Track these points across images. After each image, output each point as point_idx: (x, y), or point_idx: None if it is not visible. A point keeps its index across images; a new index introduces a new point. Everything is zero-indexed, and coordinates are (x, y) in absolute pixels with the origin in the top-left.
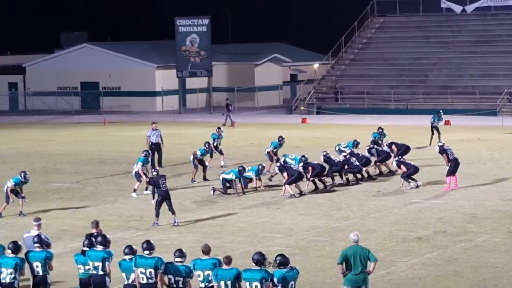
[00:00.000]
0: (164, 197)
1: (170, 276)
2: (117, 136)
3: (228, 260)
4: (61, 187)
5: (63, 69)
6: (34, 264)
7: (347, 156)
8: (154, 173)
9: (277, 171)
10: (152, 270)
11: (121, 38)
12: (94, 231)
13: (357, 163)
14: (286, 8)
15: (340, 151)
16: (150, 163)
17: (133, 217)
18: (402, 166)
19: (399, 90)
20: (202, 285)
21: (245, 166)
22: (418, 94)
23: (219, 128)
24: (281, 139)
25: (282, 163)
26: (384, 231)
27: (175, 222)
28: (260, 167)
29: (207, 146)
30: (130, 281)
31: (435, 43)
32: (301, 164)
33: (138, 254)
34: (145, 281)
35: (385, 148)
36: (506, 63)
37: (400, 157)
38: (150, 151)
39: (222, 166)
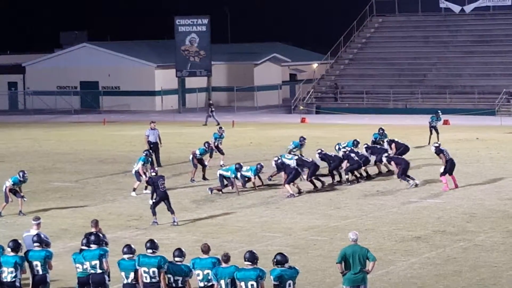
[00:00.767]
0: (162, 198)
1: (169, 275)
2: (116, 135)
3: (227, 258)
4: (60, 186)
5: (63, 68)
6: (34, 263)
7: (347, 152)
8: (153, 174)
9: (273, 165)
10: (156, 269)
11: (121, 37)
12: (93, 230)
13: (357, 158)
14: (286, 8)
15: (340, 150)
16: (150, 162)
17: (133, 217)
18: (392, 162)
19: (398, 90)
20: (202, 284)
21: (242, 164)
22: (417, 93)
23: (220, 127)
24: (302, 140)
25: (279, 164)
26: (383, 231)
27: (174, 221)
28: (258, 166)
29: (206, 145)
30: (129, 280)
31: (434, 43)
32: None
33: (141, 253)
34: (148, 280)
35: (385, 145)
36: (504, 63)
37: (389, 154)
38: (150, 151)
39: (221, 166)
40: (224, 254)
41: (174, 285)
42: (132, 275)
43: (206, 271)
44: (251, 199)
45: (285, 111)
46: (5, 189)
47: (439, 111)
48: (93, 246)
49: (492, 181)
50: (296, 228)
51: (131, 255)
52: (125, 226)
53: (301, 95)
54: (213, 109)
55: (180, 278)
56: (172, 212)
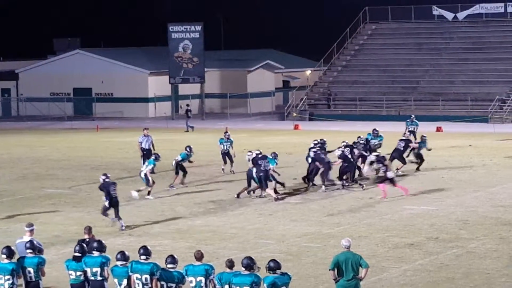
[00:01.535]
0: (112, 204)
1: (162, 283)
2: (109, 142)
3: (231, 264)
4: (53, 193)
5: (56, 75)
6: (27, 270)
7: (343, 149)
8: (106, 180)
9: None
10: (148, 276)
11: (114, 44)
12: (86, 237)
13: (352, 159)
14: (279, 15)
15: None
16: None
17: (125, 223)
18: (317, 162)
19: (391, 97)
20: None
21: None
22: (410, 100)
23: (226, 132)
24: (322, 141)
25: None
26: (376, 237)
27: (122, 226)
28: (273, 155)
29: (188, 150)
30: (122, 287)
31: (427, 50)
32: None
33: (134, 260)
34: (140, 287)
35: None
36: (497, 70)
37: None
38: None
39: (231, 172)
40: (228, 260)
41: None
42: (125, 282)
43: (199, 278)
44: (244, 205)
45: (278, 118)
46: (174, 163)
47: (412, 116)
48: (95, 253)
49: (485, 188)
50: (289, 235)
51: (125, 262)
52: (118, 233)
53: (294, 102)
54: (190, 115)
55: (173, 285)
56: (119, 219)
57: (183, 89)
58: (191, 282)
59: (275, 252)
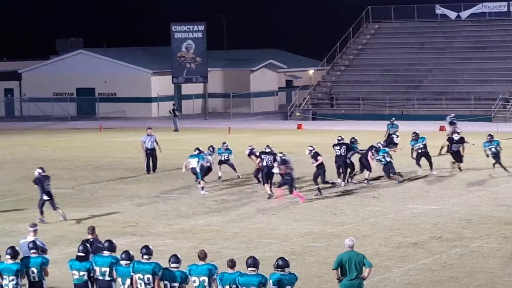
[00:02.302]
0: (47, 198)
1: (166, 282)
2: (112, 142)
3: (232, 264)
4: (56, 193)
5: (59, 75)
6: (30, 270)
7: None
8: (43, 174)
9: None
10: (150, 276)
11: (117, 44)
12: (90, 237)
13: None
14: (281, 14)
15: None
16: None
17: (129, 223)
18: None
19: (394, 96)
20: None
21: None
22: (413, 100)
23: (224, 143)
24: (353, 140)
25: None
26: (379, 237)
27: (63, 216)
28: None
29: (211, 149)
30: (126, 286)
31: (430, 49)
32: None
33: (136, 260)
34: (143, 286)
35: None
36: (500, 69)
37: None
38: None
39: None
40: (230, 260)
41: None
42: (128, 281)
43: (202, 278)
44: (247, 205)
45: (281, 118)
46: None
47: (393, 118)
48: (106, 253)
49: (489, 187)
50: (293, 234)
51: (129, 262)
52: (121, 233)
53: (297, 101)
54: (177, 113)
55: (177, 285)
56: (56, 208)
57: (186, 88)
58: (194, 282)
59: (278, 251)
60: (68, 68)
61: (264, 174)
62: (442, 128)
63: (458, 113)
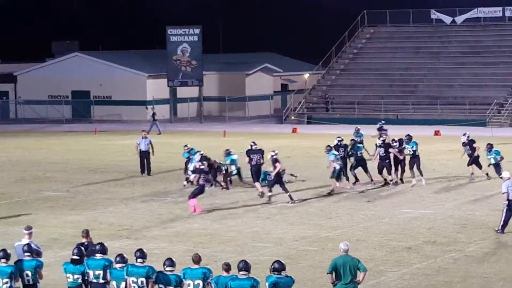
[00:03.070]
0: None
1: (160, 286)
2: (108, 144)
3: (228, 267)
4: (51, 196)
5: (54, 78)
6: (24, 273)
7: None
8: None
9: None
10: (144, 279)
11: (112, 47)
12: (84, 240)
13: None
14: (277, 18)
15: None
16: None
17: (123, 226)
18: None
19: (389, 100)
20: None
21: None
22: (408, 104)
23: (215, 161)
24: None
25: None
26: (374, 241)
27: None
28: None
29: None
30: None
31: (425, 53)
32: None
33: (130, 263)
34: None
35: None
36: (495, 74)
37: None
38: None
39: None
40: (225, 263)
41: None
42: (123, 284)
43: (197, 281)
44: (242, 209)
45: (276, 121)
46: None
47: (358, 127)
48: (98, 256)
49: (483, 192)
50: (287, 238)
51: (123, 265)
52: (116, 236)
53: (292, 105)
54: (156, 117)
55: None
56: None
57: (182, 92)
58: (188, 285)
59: (273, 255)
60: (63, 70)
61: (254, 172)
62: (437, 133)
63: (453, 118)
